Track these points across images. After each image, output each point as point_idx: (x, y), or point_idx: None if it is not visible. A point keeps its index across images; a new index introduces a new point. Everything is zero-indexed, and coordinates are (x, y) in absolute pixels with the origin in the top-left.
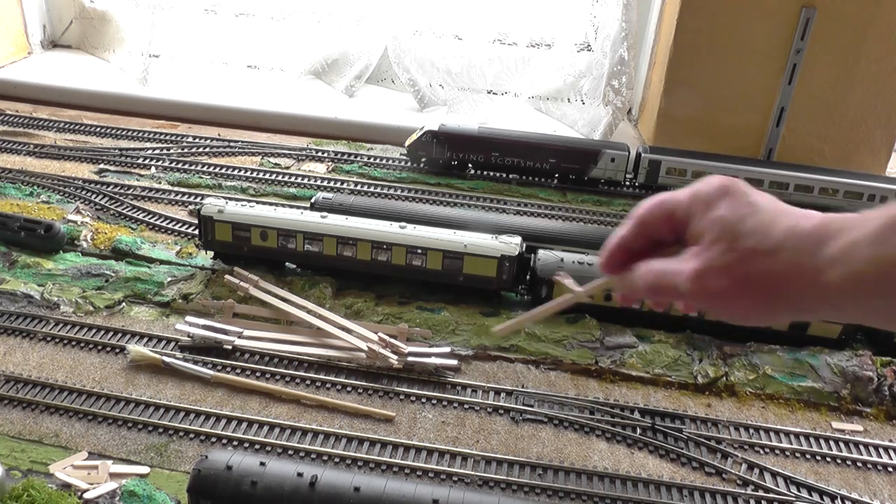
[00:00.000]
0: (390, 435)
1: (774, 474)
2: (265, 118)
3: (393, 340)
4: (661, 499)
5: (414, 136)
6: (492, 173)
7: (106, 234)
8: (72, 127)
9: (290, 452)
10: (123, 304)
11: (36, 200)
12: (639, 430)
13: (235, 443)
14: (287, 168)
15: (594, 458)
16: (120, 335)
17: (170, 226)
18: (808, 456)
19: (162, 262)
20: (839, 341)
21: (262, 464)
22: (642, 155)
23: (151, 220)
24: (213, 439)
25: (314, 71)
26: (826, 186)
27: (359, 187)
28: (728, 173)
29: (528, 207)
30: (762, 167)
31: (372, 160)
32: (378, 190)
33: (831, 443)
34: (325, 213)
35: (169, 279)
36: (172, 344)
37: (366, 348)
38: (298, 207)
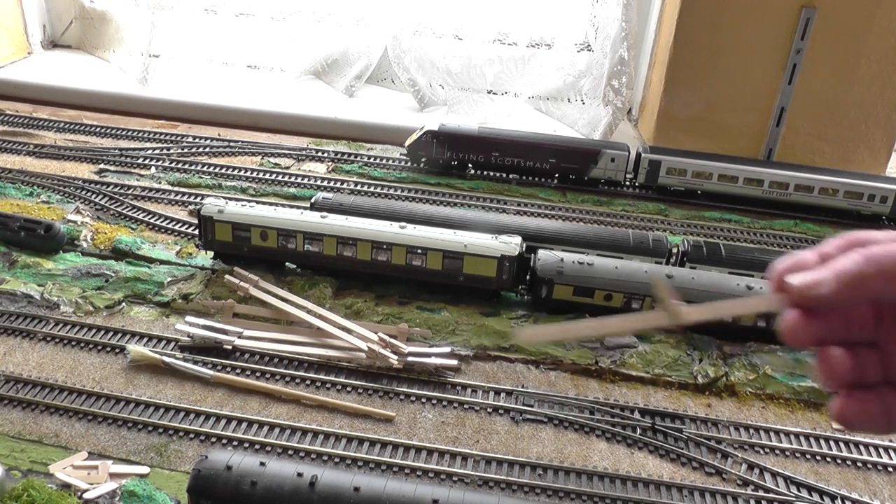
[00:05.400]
0: (390, 435)
1: (774, 474)
2: (265, 118)
3: (393, 340)
4: (661, 499)
5: (414, 136)
6: (492, 173)
7: (106, 234)
8: (72, 127)
9: (290, 452)
10: (123, 304)
11: (36, 200)
12: (639, 430)
13: (235, 443)
14: (287, 168)
15: (594, 458)
16: (120, 335)
17: (170, 226)
18: (808, 456)
19: (162, 262)
20: None
21: (262, 464)
22: (642, 155)
23: (151, 220)
24: (213, 439)
25: (314, 71)
26: (826, 186)
27: (359, 187)
28: (728, 173)
29: (528, 207)
30: (762, 167)
31: (372, 160)
32: (378, 190)
33: (831, 443)
34: (325, 213)
35: (169, 279)
36: (172, 344)
37: (366, 348)
38: (298, 207)
